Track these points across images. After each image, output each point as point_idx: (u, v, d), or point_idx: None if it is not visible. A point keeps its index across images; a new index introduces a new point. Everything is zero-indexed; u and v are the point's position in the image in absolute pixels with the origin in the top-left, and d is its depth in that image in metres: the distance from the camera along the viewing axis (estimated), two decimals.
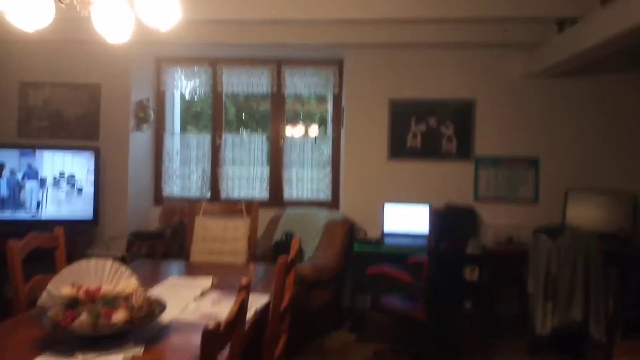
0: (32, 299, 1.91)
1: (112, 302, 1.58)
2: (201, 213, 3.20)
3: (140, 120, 4.53)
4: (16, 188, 3.90)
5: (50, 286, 1.66)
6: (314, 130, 4.84)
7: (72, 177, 4.02)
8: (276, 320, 1.68)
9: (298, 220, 4.30)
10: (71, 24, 4.00)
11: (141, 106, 4.52)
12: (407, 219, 4.33)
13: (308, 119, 4.96)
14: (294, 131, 4.83)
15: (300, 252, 4.08)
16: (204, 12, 3.56)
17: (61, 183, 3.99)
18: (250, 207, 3.19)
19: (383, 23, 3.95)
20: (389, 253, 3.94)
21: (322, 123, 4.91)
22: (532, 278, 3.32)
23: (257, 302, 2.02)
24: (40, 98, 4.47)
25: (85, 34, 4.04)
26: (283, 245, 4.08)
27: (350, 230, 4.22)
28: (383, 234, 4.28)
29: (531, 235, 3.45)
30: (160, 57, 4.80)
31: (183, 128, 5.09)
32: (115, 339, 1.54)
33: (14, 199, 3.89)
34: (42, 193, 3.95)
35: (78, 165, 4.05)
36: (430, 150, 4.46)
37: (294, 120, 4.87)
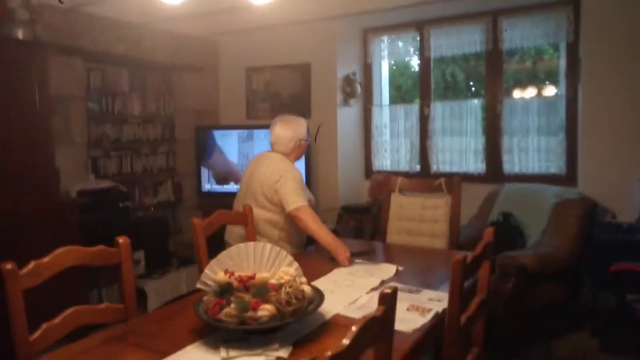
0: None
1: (263, 292, 1.42)
2: (397, 190, 2.93)
3: (348, 95, 4.49)
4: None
5: (208, 270, 1.54)
6: (541, 90, 4.02)
7: None
8: (453, 334, 1.31)
9: (520, 198, 3.64)
10: (284, 6, 4.17)
11: (348, 81, 4.47)
12: None
13: (533, 78, 4.15)
14: (515, 93, 4.10)
15: (522, 237, 3.45)
16: None
17: None
18: (451, 183, 2.77)
19: None
20: None
21: (551, 81, 4.04)
22: None
23: (442, 302, 1.66)
24: (262, 81, 4.84)
25: (296, 15, 4.21)
26: (500, 228, 3.50)
27: (590, 212, 3.35)
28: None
29: None
30: (367, 27, 4.64)
31: (391, 99, 4.87)
32: (263, 334, 1.39)
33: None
34: None
35: None
36: None
37: (515, 81, 4.14)
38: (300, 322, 1.44)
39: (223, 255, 1.59)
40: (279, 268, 1.56)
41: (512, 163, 4.10)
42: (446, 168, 4.40)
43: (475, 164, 4.27)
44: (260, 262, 1.58)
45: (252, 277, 1.49)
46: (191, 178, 4.67)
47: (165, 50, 4.41)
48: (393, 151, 4.71)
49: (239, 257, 1.57)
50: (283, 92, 4.72)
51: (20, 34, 3.01)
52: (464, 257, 1.27)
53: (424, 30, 4.37)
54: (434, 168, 4.43)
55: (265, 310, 1.37)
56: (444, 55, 4.37)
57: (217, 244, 2.23)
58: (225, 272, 1.52)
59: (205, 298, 1.51)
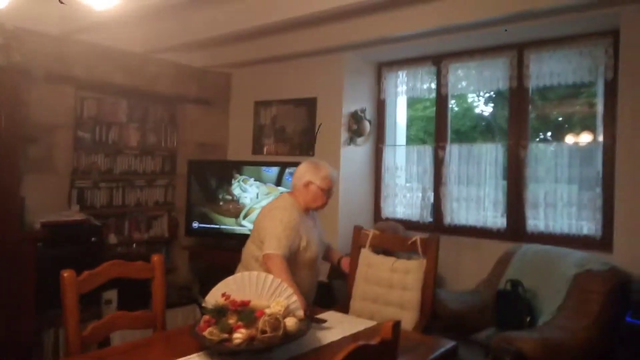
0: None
1: (248, 318, 1.54)
2: (367, 245, 2.47)
3: (354, 133, 4.10)
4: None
5: (213, 291, 1.70)
6: (573, 135, 3.43)
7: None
8: None
9: (536, 263, 3.03)
10: (286, 39, 3.94)
11: (354, 117, 4.09)
12: None
13: (564, 120, 3.56)
14: (543, 138, 3.53)
15: (531, 313, 2.82)
16: None
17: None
18: (427, 243, 2.28)
19: None
20: None
21: (586, 125, 3.44)
22: None
23: None
24: (269, 116, 4.58)
25: (304, 45, 3.95)
26: (508, 298, 2.92)
27: (620, 288, 2.68)
28: None
29: None
30: (381, 61, 4.28)
31: (408, 140, 4.42)
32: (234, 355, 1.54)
33: None
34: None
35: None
36: None
37: (543, 123, 3.57)
38: (281, 348, 1.54)
39: (229, 280, 1.73)
40: (275, 299, 1.65)
41: (538, 219, 3.49)
42: (461, 220, 3.85)
43: (494, 218, 3.69)
44: (261, 291, 1.69)
45: (246, 304, 1.60)
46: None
47: (168, 81, 4.28)
48: (406, 197, 4.23)
49: (242, 283, 1.71)
50: (288, 128, 4.43)
51: None
52: None
53: (442, 65, 3.93)
54: (447, 219, 3.89)
55: (240, 333, 1.49)
56: (463, 92, 3.90)
57: None
58: (222, 295, 1.65)
59: (204, 316, 1.61)
